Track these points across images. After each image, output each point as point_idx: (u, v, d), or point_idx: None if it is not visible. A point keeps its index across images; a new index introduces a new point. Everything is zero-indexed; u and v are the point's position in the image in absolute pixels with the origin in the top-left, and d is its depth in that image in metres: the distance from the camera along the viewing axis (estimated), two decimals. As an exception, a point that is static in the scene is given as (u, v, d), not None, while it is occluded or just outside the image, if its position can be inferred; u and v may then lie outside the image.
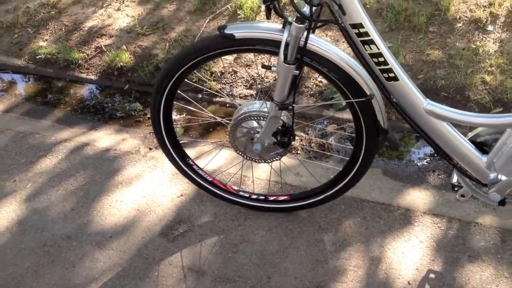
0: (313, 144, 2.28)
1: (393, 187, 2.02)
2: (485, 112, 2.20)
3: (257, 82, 2.62)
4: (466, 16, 2.69)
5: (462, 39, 2.56)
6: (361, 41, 1.38)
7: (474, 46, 2.49)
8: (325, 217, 1.91)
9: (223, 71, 2.71)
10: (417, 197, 1.95)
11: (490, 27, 2.59)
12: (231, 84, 2.64)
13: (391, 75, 1.41)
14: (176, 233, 1.91)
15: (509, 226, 1.80)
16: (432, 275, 1.67)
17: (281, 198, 1.92)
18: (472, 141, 1.48)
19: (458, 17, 2.69)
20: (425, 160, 2.13)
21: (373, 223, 1.87)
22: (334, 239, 1.83)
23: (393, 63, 1.40)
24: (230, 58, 2.76)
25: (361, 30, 1.36)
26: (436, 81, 2.37)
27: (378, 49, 1.38)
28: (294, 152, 2.25)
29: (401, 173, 2.08)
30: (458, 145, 1.46)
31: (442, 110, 1.43)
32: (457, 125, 1.44)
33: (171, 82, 1.67)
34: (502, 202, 1.49)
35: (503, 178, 1.41)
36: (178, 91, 1.75)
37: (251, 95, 2.57)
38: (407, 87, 1.43)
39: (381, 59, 1.39)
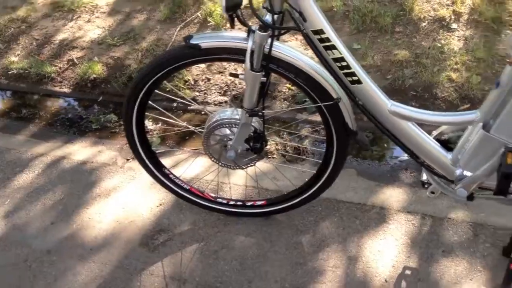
0: (288, 148, 2.31)
1: (367, 187, 2.06)
2: (453, 109, 2.26)
3: (231, 89, 2.65)
4: (430, 15, 2.75)
5: (427, 38, 2.62)
6: (323, 46, 1.42)
7: (439, 45, 2.55)
8: (302, 219, 1.94)
9: (196, 79, 2.73)
10: (391, 196, 2.00)
11: (454, 25, 2.66)
12: (205, 91, 2.66)
13: (355, 78, 1.45)
14: (157, 243, 1.92)
15: (481, 220, 1.85)
16: (408, 272, 1.71)
17: (259, 203, 1.95)
18: (437, 139, 1.52)
19: (422, 16, 2.75)
20: (398, 159, 2.18)
21: (349, 223, 1.91)
22: (312, 240, 1.86)
23: (355, 67, 1.44)
24: (203, 65, 2.79)
25: (323, 35, 1.40)
26: (404, 80, 2.43)
27: (340, 53, 1.43)
28: (270, 156, 2.28)
29: (375, 173, 2.13)
30: (424, 144, 1.50)
31: (406, 110, 1.47)
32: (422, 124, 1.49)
33: (141, 95, 1.69)
34: (470, 197, 1.53)
35: (468, 174, 1.46)
36: (150, 102, 1.77)
37: (226, 101, 2.60)
38: (371, 89, 1.47)
39: (344, 63, 1.44)
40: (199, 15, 3.11)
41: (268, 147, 2.31)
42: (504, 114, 1.33)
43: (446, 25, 2.68)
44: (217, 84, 2.69)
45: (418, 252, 1.77)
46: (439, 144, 1.51)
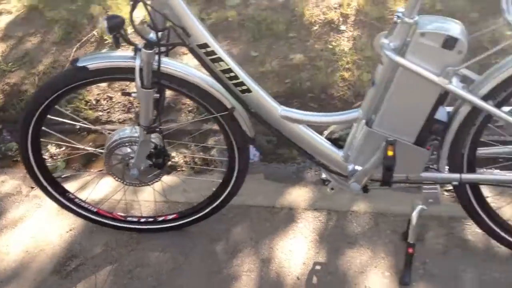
0: (196, 159, 2.33)
1: (275, 189, 2.12)
2: (348, 106, 2.37)
3: (134, 106, 2.63)
4: (320, 19, 2.87)
5: (319, 41, 2.74)
6: (210, 59, 1.47)
7: (331, 47, 2.67)
8: (215, 228, 1.96)
9: (98, 99, 2.68)
10: (298, 196, 2.07)
11: (342, 27, 2.80)
12: (108, 110, 2.63)
13: (244, 87, 1.51)
14: (69, 269, 1.87)
15: (381, 210, 1.96)
16: (318, 267, 1.78)
17: (170, 217, 1.95)
18: (329, 138, 1.61)
19: (313, 20, 2.86)
20: (301, 160, 2.25)
21: (260, 226, 1.96)
22: (226, 248, 1.89)
23: (243, 77, 1.50)
24: (103, 84, 2.74)
25: (208, 49, 1.45)
26: (302, 83, 2.52)
27: (227, 65, 1.48)
28: (179, 169, 2.29)
29: (282, 175, 2.19)
30: (316, 144, 1.58)
31: (295, 114, 1.55)
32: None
33: (33, 121, 1.65)
34: (365, 190, 1.63)
35: (359, 168, 1.55)
36: (45, 128, 1.73)
37: (130, 118, 2.57)
38: (261, 97, 1.53)
39: (232, 74, 1.49)
40: (95, 33, 3.06)
41: (176, 160, 2.32)
42: (382, 110, 1.43)
43: (335, 27, 2.81)
44: (120, 102, 2.66)
45: (326, 247, 1.85)
46: (330, 143, 1.59)
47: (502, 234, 1.65)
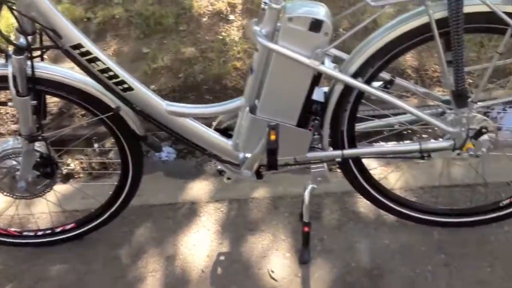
0: (94, 164, 2.27)
1: (176, 186, 2.11)
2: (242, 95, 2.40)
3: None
4: (209, 10, 2.88)
5: (210, 32, 2.75)
6: (86, 60, 1.43)
7: (221, 37, 2.69)
8: (117, 232, 1.93)
9: (-16, 112, 2.53)
10: (199, 189, 2.07)
11: (231, 17, 2.82)
12: (-1, 123, 2.50)
13: (125, 86, 1.48)
14: (-35, 293, 1.77)
15: (280, 193, 2.01)
16: (222, 257, 1.80)
17: (68, 226, 1.89)
18: (218, 129, 1.62)
19: (202, 12, 2.86)
20: (199, 153, 2.26)
21: (163, 225, 1.94)
22: (129, 251, 1.86)
23: (123, 75, 1.47)
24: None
25: (82, 49, 1.41)
26: (195, 76, 2.52)
27: (105, 64, 1.44)
28: (76, 176, 2.22)
29: (182, 170, 2.19)
30: (205, 136, 1.59)
31: (180, 108, 1.55)
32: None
33: None
34: (259, 176, 1.65)
35: (249, 155, 1.57)
36: None
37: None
38: (144, 94, 1.51)
39: (111, 73, 1.46)
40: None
41: (72, 166, 2.25)
42: (263, 96, 1.46)
43: (224, 17, 2.83)
44: (8, 113, 2.54)
45: (229, 236, 1.87)
46: (218, 134, 1.60)
47: (388, 203, 1.75)
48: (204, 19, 2.84)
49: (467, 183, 1.97)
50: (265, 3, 1.35)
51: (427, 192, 1.97)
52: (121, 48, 2.76)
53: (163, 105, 1.53)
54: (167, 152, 2.29)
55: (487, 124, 1.50)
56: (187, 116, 1.55)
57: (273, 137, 1.42)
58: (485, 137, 1.50)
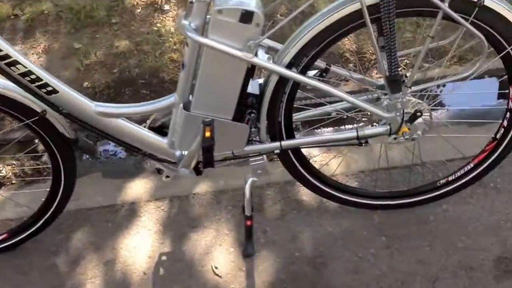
0: (27, 169, 2.16)
1: (115, 186, 2.03)
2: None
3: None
4: (143, 1, 2.79)
5: (144, 24, 2.66)
6: (5, 64, 1.35)
7: (156, 28, 2.61)
8: (53, 240, 1.84)
9: None
10: (139, 188, 2.01)
11: (166, 7, 2.75)
12: None
13: (49, 89, 1.40)
14: None
15: (221, 187, 1.98)
16: (164, 258, 1.75)
17: (0, 237, 1.79)
18: (152, 127, 1.56)
19: (135, 3, 2.78)
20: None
21: (102, 228, 1.87)
22: (67, 259, 1.78)
23: (46, 77, 1.39)
24: None
25: (1, 53, 1.32)
26: (130, 71, 2.43)
27: (25, 67, 1.36)
28: (8, 184, 2.11)
29: (121, 170, 2.11)
30: (139, 136, 1.53)
31: (110, 108, 1.48)
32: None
33: None
34: (198, 172, 1.61)
35: (185, 153, 1.53)
36: None
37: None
38: (70, 96, 1.43)
39: (33, 77, 1.38)
40: None
41: (4, 173, 2.13)
42: (196, 92, 1.41)
43: (159, 8, 2.75)
44: None
45: (171, 235, 1.82)
46: (153, 132, 1.54)
47: (329, 191, 1.74)
48: (138, 10, 2.74)
49: (405, 164, 2.00)
50: (193, -5, 1.30)
51: (367, 175, 1.99)
52: (52, 44, 2.63)
53: (91, 106, 1.46)
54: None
55: (422, 107, 1.51)
56: (118, 117, 1.49)
57: (208, 134, 1.38)
58: (420, 120, 1.51)
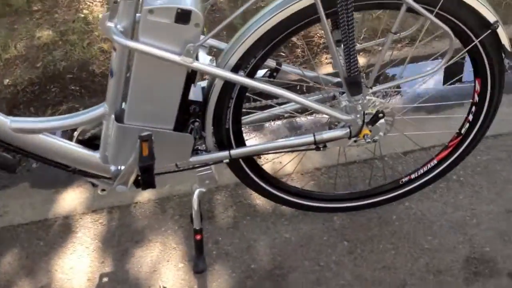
0: None
1: (46, 198, 1.82)
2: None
3: None
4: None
5: (69, 10, 2.42)
6: None
7: (82, 15, 2.37)
8: (-23, 265, 1.63)
9: None
10: (73, 199, 1.80)
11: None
12: None
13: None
14: None
15: (166, 194, 1.81)
16: (105, 279, 1.57)
17: None
18: (81, 140, 1.36)
19: (58, -13, 2.51)
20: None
21: (33, 248, 1.66)
22: (-6, 286, 1.58)
23: None
24: None
25: None
26: (56, 64, 2.19)
27: None
28: None
29: (51, 179, 1.88)
30: (65, 151, 1.33)
31: (29, 123, 1.28)
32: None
33: None
34: (139, 185, 1.43)
35: (122, 167, 1.34)
36: None
37: None
38: (-21, 112, 1.21)
39: None
40: None
41: None
42: (129, 101, 1.23)
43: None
44: None
45: (112, 252, 1.64)
46: (82, 146, 1.35)
47: (285, 196, 1.61)
48: (61, -5, 2.49)
49: (364, 158, 1.90)
50: (118, -8, 1.10)
51: (324, 173, 1.87)
52: (-38, 37, 2.34)
53: (7, 122, 1.25)
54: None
55: (383, 107, 1.38)
56: (39, 132, 1.28)
57: (145, 152, 1.20)
58: (381, 121, 1.39)
